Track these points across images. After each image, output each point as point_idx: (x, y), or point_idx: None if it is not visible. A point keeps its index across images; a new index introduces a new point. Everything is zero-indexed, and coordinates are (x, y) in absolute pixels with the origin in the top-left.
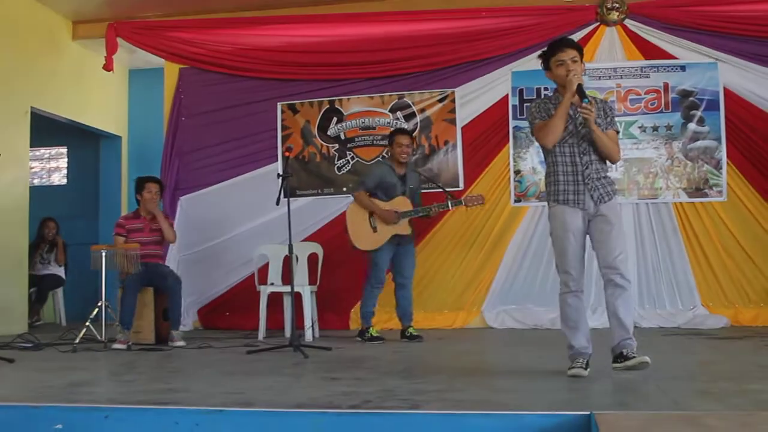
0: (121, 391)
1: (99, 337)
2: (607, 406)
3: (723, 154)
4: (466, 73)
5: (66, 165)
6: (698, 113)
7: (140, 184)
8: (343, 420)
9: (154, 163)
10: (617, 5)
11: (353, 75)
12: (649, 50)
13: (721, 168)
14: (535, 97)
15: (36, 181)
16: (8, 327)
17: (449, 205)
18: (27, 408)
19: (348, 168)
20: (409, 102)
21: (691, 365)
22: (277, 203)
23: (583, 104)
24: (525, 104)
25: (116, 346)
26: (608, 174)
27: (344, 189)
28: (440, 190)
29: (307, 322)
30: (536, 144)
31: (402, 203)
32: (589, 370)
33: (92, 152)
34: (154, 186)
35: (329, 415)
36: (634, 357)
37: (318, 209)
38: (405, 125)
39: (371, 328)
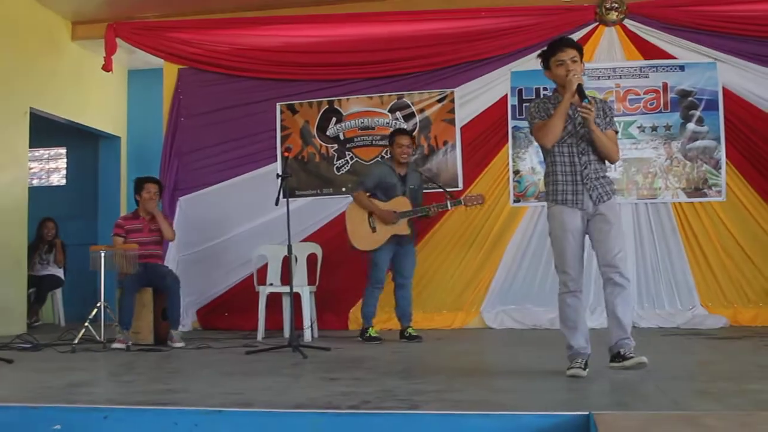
0: (120, 392)
1: (98, 338)
2: (606, 406)
3: (722, 154)
4: (465, 73)
5: (65, 165)
6: (697, 113)
7: (139, 184)
8: (342, 420)
9: (153, 164)
10: (616, 5)
11: (352, 75)
12: (648, 50)
13: (720, 168)
14: (534, 97)
15: (35, 182)
16: (7, 327)
17: (448, 205)
18: (26, 408)
19: (347, 168)
20: (409, 102)
21: (690, 365)
22: (277, 203)
23: (583, 104)
24: (524, 104)
25: (115, 346)
26: (607, 174)
27: (343, 189)
28: (440, 189)
29: (306, 323)
30: (535, 144)
31: (401, 203)
32: (588, 370)
33: (91, 153)
34: (153, 186)
35: (328, 416)
36: (631, 357)
37: (317, 209)
38: (404, 125)
39: (371, 328)
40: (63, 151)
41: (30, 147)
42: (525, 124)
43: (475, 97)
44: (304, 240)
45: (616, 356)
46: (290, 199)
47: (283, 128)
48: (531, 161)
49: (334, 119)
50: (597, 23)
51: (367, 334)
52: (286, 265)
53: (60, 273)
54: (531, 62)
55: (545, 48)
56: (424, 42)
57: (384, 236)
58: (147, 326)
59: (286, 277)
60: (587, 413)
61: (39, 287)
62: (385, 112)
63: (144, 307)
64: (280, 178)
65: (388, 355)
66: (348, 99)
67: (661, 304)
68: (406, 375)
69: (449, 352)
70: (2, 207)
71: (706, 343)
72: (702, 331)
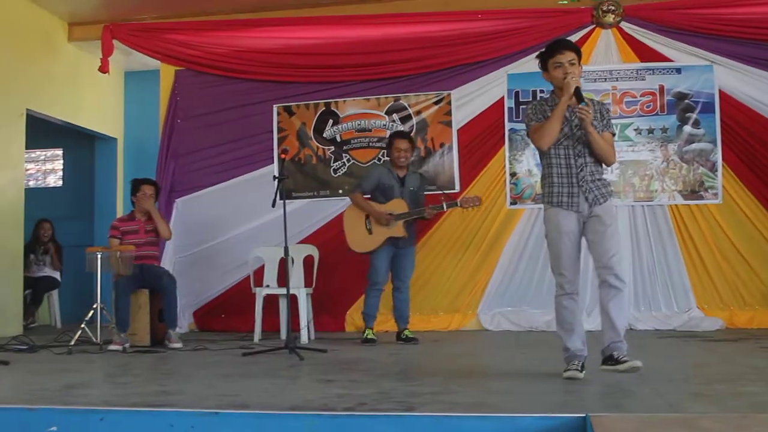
0: (117, 394)
1: (94, 340)
2: (603, 408)
3: (718, 156)
4: (462, 75)
5: (62, 167)
6: (693, 116)
7: (136, 186)
8: (338, 422)
9: (149, 165)
10: (613, 8)
11: (349, 77)
12: (644, 53)
13: (716, 170)
14: (530, 99)
15: (32, 183)
16: (3, 329)
17: (444, 206)
18: (22, 410)
19: (344, 170)
20: (405, 104)
21: (686, 367)
22: (273, 205)
23: (580, 105)
24: (521, 106)
25: (112, 347)
26: (604, 176)
27: (340, 191)
28: (438, 192)
29: (303, 325)
30: (532, 146)
31: (398, 205)
32: (584, 372)
33: (88, 154)
34: (150, 188)
35: (324, 418)
36: (625, 361)
37: (314, 211)
38: (401, 127)
39: (368, 330)
40: (59, 152)
41: (26, 148)
42: (522, 126)
43: (471, 100)
44: (301, 242)
45: (609, 359)
46: (287, 201)
47: (279, 130)
48: (528, 163)
49: (330, 121)
50: (594, 26)
51: (364, 336)
52: (283, 267)
53: (56, 275)
54: (527, 65)
55: (543, 49)
56: (420, 44)
57: (380, 238)
58: (143, 328)
59: (283, 279)
60: (584, 415)
61: (35, 289)
62: (382, 114)
63: (140, 309)
64: (276, 180)
65: (384, 357)
66: (345, 101)
67: (657, 306)
68: (402, 377)
69: (446, 354)
70: None
71: (702, 346)
72: (698, 334)
